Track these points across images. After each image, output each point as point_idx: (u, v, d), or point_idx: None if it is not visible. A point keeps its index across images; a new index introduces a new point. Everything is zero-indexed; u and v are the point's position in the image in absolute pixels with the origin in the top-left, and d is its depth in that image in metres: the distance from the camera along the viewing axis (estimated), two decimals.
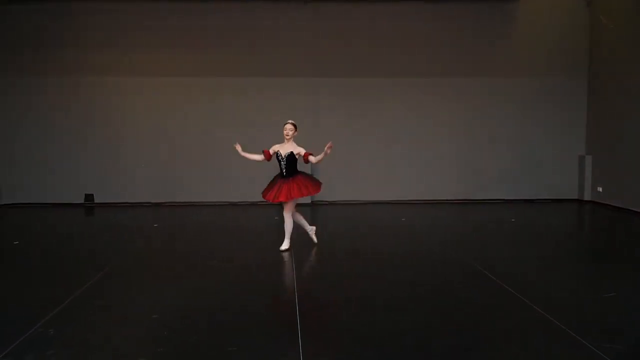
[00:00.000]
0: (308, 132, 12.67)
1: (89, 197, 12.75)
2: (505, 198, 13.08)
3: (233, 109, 12.74)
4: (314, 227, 8.22)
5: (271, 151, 7.66)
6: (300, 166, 7.82)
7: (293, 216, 7.80)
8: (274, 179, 7.72)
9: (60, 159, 12.60)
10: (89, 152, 12.65)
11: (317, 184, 7.69)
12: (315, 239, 8.19)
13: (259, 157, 7.73)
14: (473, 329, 4.86)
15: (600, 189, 12.55)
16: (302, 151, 7.53)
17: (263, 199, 7.74)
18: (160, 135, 12.71)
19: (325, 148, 7.32)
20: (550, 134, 13.07)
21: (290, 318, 5.04)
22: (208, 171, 12.76)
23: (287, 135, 7.53)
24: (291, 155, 7.51)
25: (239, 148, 7.76)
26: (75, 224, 10.93)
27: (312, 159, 7.48)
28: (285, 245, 7.81)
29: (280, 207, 12.26)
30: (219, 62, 12.68)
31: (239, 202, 12.80)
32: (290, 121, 7.63)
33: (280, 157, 7.60)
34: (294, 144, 7.61)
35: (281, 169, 7.60)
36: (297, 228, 8.06)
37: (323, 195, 12.85)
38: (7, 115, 12.52)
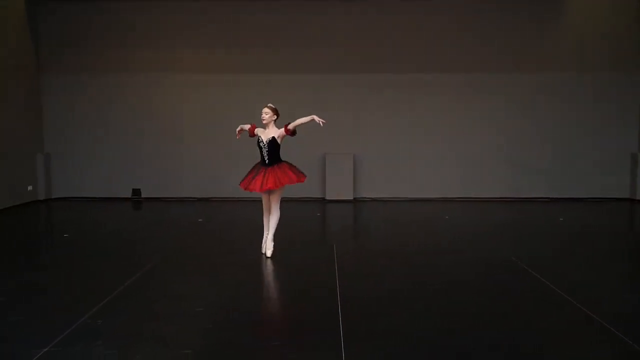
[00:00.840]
0: (351, 127, 12.70)
1: (136, 192, 12.99)
2: (554, 196, 12.76)
3: (279, 105, 12.71)
4: (272, 245, 7.25)
5: (255, 132, 7.11)
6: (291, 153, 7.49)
7: (266, 215, 7.28)
8: (254, 167, 7.20)
9: (109, 155, 12.85)
10: (137, 148, 12.87)
11: (300, 174, 7.10)
12: (268, 253, 7.19)
13: (247, 127, 7.24)
14: (515, 328, 4.76)
15: None
16: (282, 130, 6.90)
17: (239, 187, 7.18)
18: (207, 130, 12.81)
19: (318, 119, 6.84)
20: (601, 131, 12.69)
21: (332, 315, 5.02)
22: (247, 167, 12.73)
23: (264, 119, 6.96)
24: (273, 141, 6.93)
25: (239, 130, 7.36)
26: (123, 217, 11.16)
27: (291, 125, 6.85)
28: (270, 248, 7.22)
29: (320, 203, 12.33)
30: (268, 59, 12.69)
31: (284, 198, 12.80)
32: (268, 104, 7.08)
33: (261, 144, 7.01)
34: (275, 129, 6.99)
35: (262, 156, 7.04)
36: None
37: (365, 191, 12.84)
38: (58, 112, 12.84)
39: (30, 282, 6.20)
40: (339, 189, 12.57)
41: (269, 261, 7.11)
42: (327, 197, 12.62)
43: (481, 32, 12.61)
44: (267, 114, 6.98)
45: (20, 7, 12.02)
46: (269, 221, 7.24)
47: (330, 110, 12.66)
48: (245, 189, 7.04)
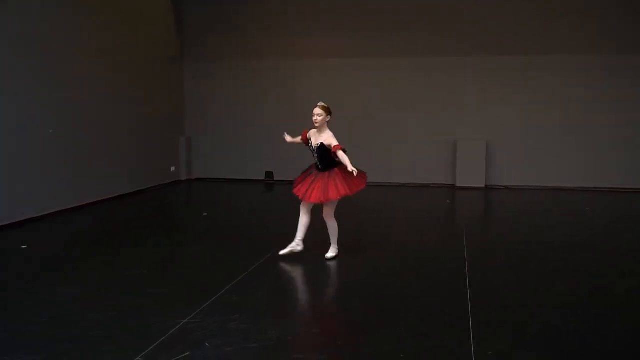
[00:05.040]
0: (484, 113, 12.31)
1: (269, 174, 13.45)
2: None
3: (401, 89, 12.63)
4: (336, 251, 6.53)
5: (308, 135, 6.50)
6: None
7: (328, 220, 6.52)
8: (308, 169, 6.59)
9: (245, 138, 13.35)
10: (270, 132, 13.23)
11: (359, 180, 6.24)
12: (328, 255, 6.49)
13: (299, 139, 6.67)
14: None
15: None
16: (333, 143, 6.14)
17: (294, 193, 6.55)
18: (339, 115, 12.89)
19: (351, 168, 5.98)
20: None
21: (461, 303, 4.94)
22: (375, 151, 12.76)
23: (316, 121, 6.25)
24: (322, 147, 6.24)
25: (287, 138, 6.81)
26: (256, 199, 11.60)
27: (340, 154, 6.08)
28: (331, 252, 6.52)
29: (450, 190, 12.11)
30: (392, 43, 12.51)
31: (406, 183, 12.72)
32: (320, 104, 6.35)
33: (311, 148, 6.44)
34: (328, 132, 6.28)
35: (315, 162, 6.47)
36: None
37: (497, 179, 12.41)
38: (198, 97, 13.52)
39: (170, 257, 6.65)
40: (470, 176, 12.25)
41: (397, 247, 7.12)
42: (458, 184, 12.36)
43: (626, 9, 11.68)
44: (319, 115, 6.25)
45: None
46: (306, 223, 6.57)
47: (462, 95, 12.41)
48: (301, 198, 6.46)
